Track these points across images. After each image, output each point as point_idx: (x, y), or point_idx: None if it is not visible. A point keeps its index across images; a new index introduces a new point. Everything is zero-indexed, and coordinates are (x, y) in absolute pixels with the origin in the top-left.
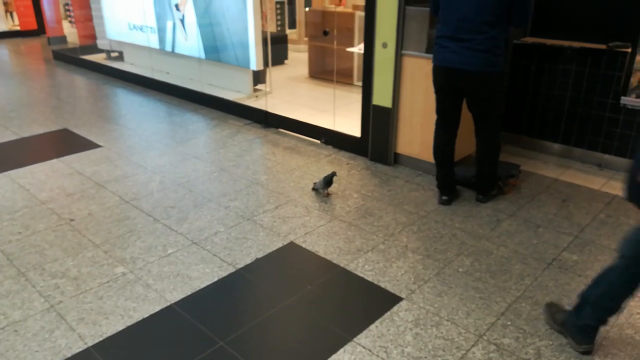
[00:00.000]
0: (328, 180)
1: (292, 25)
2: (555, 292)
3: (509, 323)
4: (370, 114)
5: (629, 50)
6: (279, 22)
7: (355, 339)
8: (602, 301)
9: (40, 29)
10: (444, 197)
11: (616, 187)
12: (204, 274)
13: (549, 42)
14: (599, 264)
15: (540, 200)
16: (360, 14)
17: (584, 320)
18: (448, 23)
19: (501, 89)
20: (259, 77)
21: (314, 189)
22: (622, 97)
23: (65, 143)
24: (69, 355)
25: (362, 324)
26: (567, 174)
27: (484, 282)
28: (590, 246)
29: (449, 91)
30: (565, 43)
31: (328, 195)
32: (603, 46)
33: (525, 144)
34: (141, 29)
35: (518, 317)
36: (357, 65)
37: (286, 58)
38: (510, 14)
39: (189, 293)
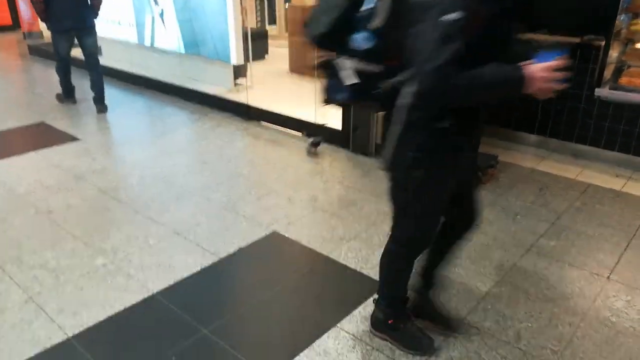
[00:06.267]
0: (317, 142)
1: (272, 21)
2: (534, 276)
3: (489, 307)
4: (351, 106)
5: (603, 43)
6: (258, 18)
7: (338, 325)
8: None
9: (15, 24)
10: None
11: (591, 176)
12: (187, 264)
13: (525, 36)
14: (575, 248)
15: (518, 190)
16: None
17: None
18: None
19: None
20: (239, 71)
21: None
22: (597, 89)
23: (43, 136)
24: (48, 346)
25: (345, 310)
26: (543, 164)
27: (464, 268)
28: (566, 232)
29: None
30: (541, 37)
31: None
32: (577, 39)
33: (502, 136)
34: (119, 24)
35: (498, 301)
36: None
37: (267, 53)
38: None
39: (172, 283)
